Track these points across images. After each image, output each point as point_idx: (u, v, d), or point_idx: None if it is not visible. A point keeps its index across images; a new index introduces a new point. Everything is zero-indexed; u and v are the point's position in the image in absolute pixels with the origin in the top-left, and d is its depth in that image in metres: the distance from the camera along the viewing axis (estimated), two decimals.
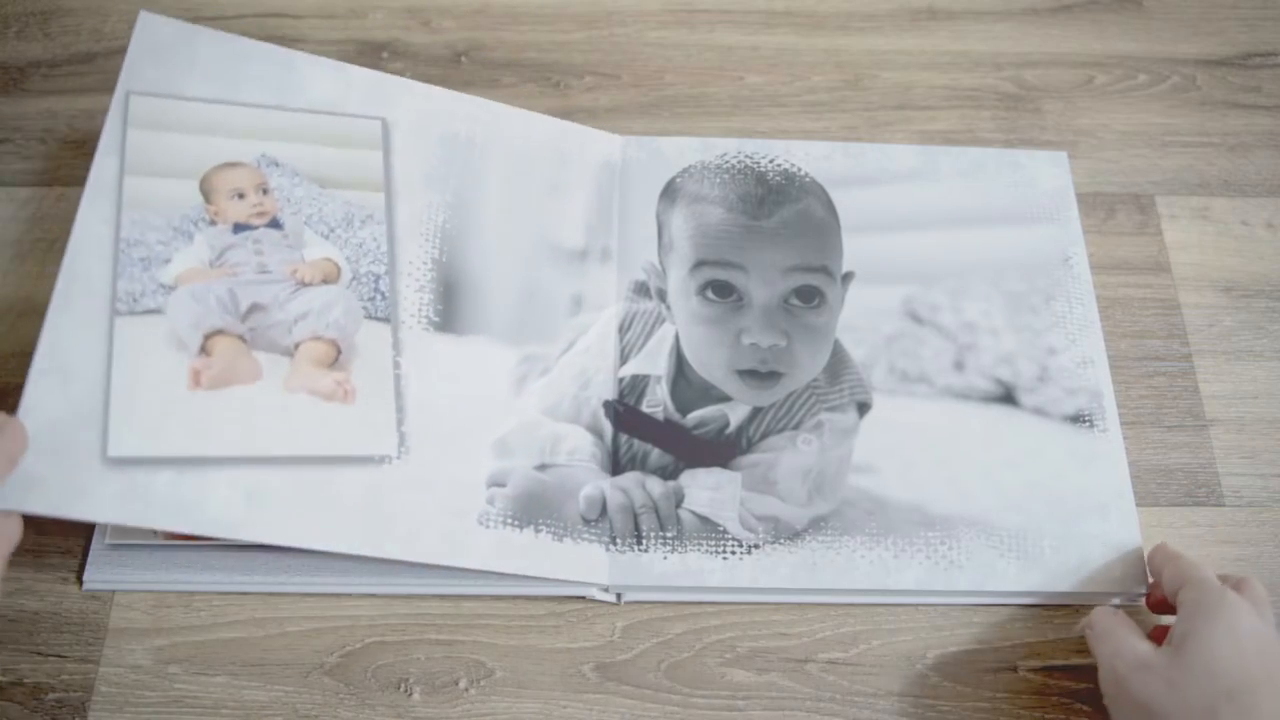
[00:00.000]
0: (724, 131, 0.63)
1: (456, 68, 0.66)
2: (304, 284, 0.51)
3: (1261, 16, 0.69)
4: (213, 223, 0.51)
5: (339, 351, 0.50)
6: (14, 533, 0.43)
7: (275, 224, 0.52)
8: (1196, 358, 0.57)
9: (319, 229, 0.53)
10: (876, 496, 0.52)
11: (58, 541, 0.51)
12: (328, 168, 0.54)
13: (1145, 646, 0.43)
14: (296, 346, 0.50)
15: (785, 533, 0.51)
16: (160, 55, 0.54)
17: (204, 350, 0.48)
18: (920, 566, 0.50)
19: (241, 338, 0.49)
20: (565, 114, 0.64)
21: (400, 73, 0.66)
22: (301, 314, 0.50)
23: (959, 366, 0.56)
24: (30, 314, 0.57)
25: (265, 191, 0.53)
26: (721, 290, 0.54)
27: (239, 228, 0.52)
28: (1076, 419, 0.54)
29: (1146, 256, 0.60)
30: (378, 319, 0.52)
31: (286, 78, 0.56)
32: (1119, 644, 0.44)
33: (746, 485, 0.52)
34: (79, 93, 0.64)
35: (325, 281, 0.52)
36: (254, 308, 0.50)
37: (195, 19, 0.67)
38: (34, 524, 0.52)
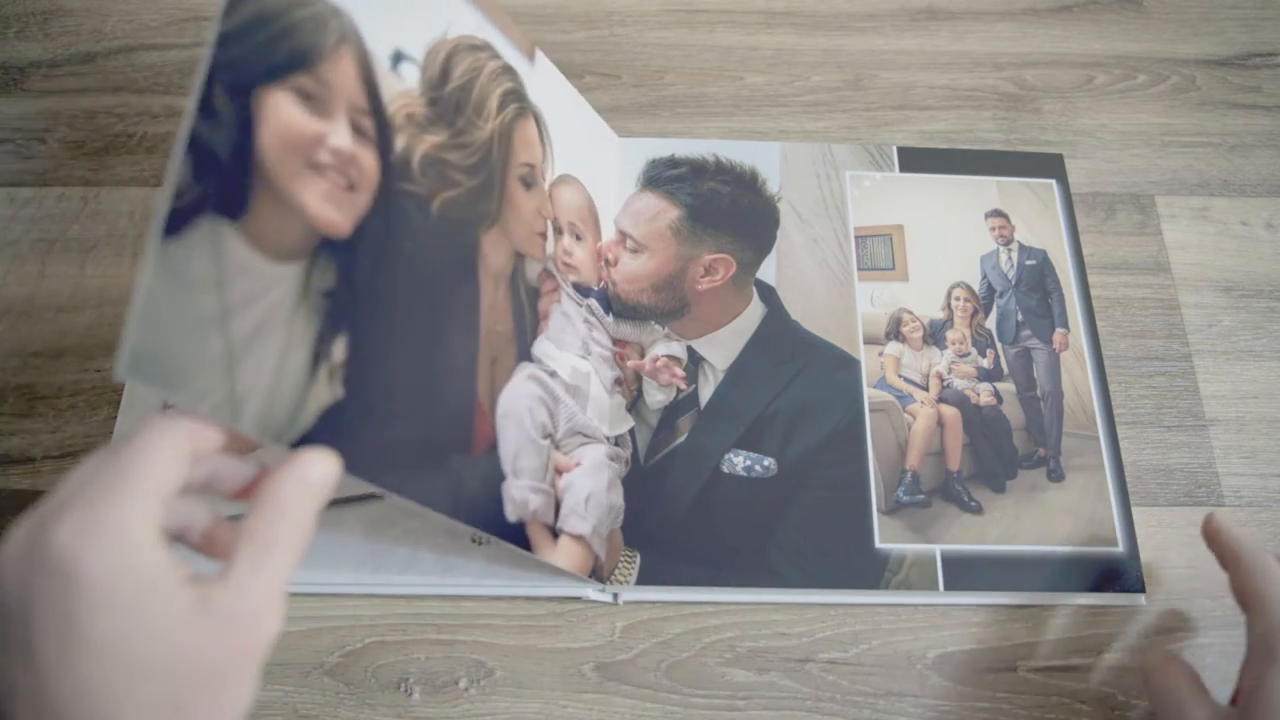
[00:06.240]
0: (724, 132, 0.63)
1: None
2: None
3: (1261, 16, 0.69)
4: None
5: None
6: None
7: None
8: (1196, 358, 0.57)
9: None
10: None
11: None
12: None
13: (1207, 714, 0.38)
14: None
15: None
16: None
17: None
18: None
19: None
20: None
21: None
22: None
23: None
24: (30, 314, 0.57)
25: None
26: None
27: None
28: None
29: (1146, 256, 0.60)
30: None
31: None
32: (1180, 711, 0.39)
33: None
34: (79, 93, 0.64)
35: None
36: None
37: (195, 19, 0.67)
38: None
